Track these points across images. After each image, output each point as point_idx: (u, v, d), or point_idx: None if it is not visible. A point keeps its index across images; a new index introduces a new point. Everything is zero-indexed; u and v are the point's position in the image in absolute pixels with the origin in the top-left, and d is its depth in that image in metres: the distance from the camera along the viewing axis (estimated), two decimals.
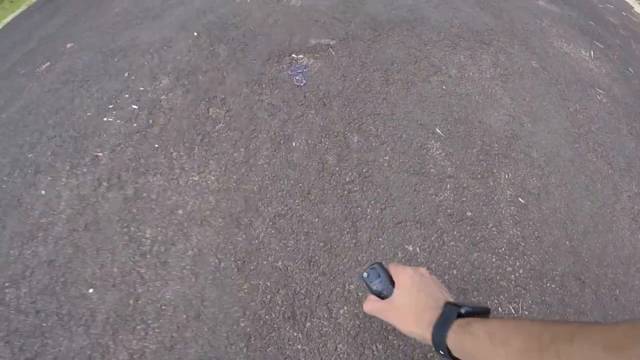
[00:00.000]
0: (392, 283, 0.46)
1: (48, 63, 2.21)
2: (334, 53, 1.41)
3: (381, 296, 0.47)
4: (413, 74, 1.33)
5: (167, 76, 1.53)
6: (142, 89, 1.53)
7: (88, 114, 1.53)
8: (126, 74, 1.65)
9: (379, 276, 0.48)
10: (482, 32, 1.76)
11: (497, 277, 0.92)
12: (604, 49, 2.14)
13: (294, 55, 1.41)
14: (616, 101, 1.73)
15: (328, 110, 1.14)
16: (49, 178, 1.35)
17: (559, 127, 1.36)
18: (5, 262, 1.24)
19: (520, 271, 0.94)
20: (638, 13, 3.42)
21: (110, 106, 1.51)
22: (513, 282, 0.93)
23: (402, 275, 0.46)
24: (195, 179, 1.04)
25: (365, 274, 0.48)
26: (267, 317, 0.88)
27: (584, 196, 1.17)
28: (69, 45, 2.33)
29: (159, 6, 2.28)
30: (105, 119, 1.45)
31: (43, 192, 1.32)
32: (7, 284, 1.17)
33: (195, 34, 1.74)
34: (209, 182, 1.03)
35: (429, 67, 1.39)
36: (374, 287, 0.47)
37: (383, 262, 0.50)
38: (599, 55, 2.05)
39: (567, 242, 1.06)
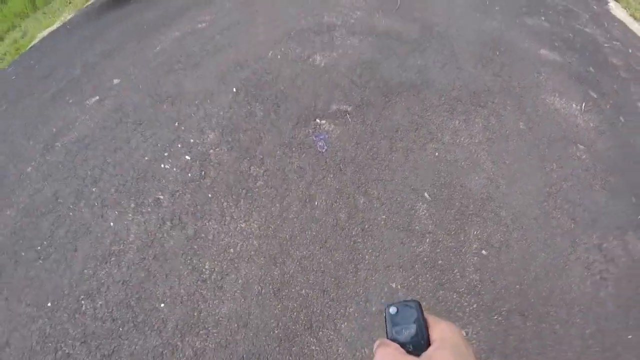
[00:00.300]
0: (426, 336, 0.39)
1: (97, 97, 2.74)
2: (350, 119, 1.88)
3: (407, 348, 0.38)
4: (413, 142, 1.78)
5: (213, 131, 2.03)
6: (192, 140, 2.03)
7: (146, 158, 2.04)
8: (176, 124, 2.16)
9: (414, 321, 0.40)
10: (480, 93, 2.18)
11: (455, 309, 1.37)
12: (597, 99, 2.41)
13: (317, 120, 1.89)
14: (596, 156, 1.98)
15: (342, 175, 1.61)
16: (116, 212, 1.86)
17: (532, 188, 1.75)
18: (80, 279, 1.74)
19: (474, 306, 1.40)
20: None
21: (165, 154, 2.02)
22: (467, 314, 1.37)
23: (449, 334, 0.38)
24: (242, 225, 1.54)
25: (393, 309, 0.40)
26: (293, 327, 1.37)
27: (540, 249, 1.60)
28: (115, 81, 2.86)
29: (198, 52, 2.80)
30: (162, 166, 1.96)
31: (112, 223, 1.83)
32: (82, 297, 1.68)
33: (234, 89, 2.25)
34: (252, 229, 1.53)
35: (427, 134, 1.83)
36: (402, 334, 0.39)
37: (422, 303, 0.41)
38: (591, 107, 2.31)
39: (518, 286, 1.50)
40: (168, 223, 1.64)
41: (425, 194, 1.57)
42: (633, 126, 2.31)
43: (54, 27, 6.15)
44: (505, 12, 3.33)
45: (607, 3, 4.79)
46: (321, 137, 1.77)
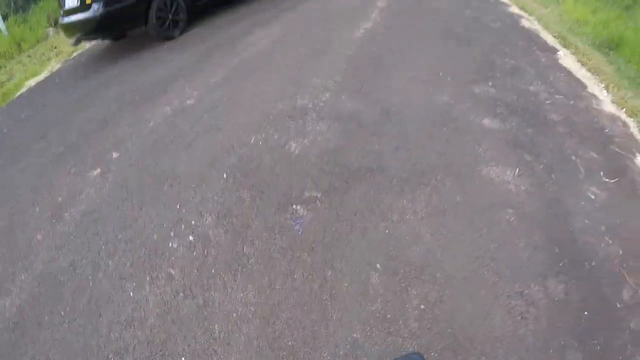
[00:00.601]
0: None
1: (99, 170, 3.31)
2: (319, 205, 2.53)
3: None
4: (368, 222, 2.42)
5: (210, 215, 2.64)
6: (193, 222, 2.62)
7: (154, 237, 2.65)
8: (178, 206, 2.79)
9: None
10: (425, 172, 2.69)
11: (400, 350, 2.03)
12: (531, 161, 2.92)
13: (294, 206, 2.55)
14: (523, 217, 2.38)
15: (314, 253, 2.22)
16: (134, 284, 2.45)
17: (463, 253, 2.21)
18: (107, 340, 2.26)
19: (415, 346, 2.07)
20: (590, 95, 4.26)
21: (171, 234, 2.62)
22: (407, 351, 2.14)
23: None
24: (240, 295, 2.22)
25: None
26: None
27: (468, 301, 2.21)
28: (114, 155, 3.43)
29: (189, 132, 3.35)
30: (170, 244, 2.57)
31: (131, 293, 2.44)
32: (111, 356, 2.30)
33: (225, 175, 2.85)
34: (249, 297, 2.19)
35: (379, 215, 2.47)
36: None
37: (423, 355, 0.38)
38: (524, 171, 2.81)
39: (449, 330, 2.10)
40: (181, 294, 2.31)
41: (378, 265, 2.30)
42: (562, 182, 2.87)
43: (42, 76, 6.82)
44: (456, 83, 4.09)
45: (556, 52, 5.65)
46: (297, 221, 2.51)
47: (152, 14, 5.90)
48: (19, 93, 6.65)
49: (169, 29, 6.22)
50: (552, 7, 9.81)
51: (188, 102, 3.97)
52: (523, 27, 7.24)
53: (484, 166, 2.93)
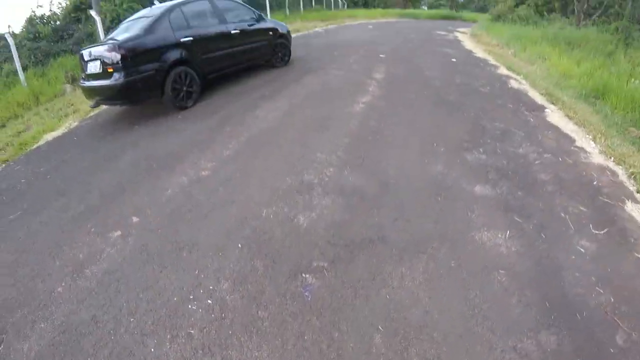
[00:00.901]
0: None
1: (120, 232, 3.46)
2: (326, 274, 2.82)
3: None
4: (370, 289, 2.68)
5: (227, 281, 2.90)
6: (211, 287, 2.87)
7: (175, 298, 2.86)
8: (196, 272, 3.05)
9: None
10: (422, 241, 2.99)
11: None
12: (521, 223, 3.16)
13: (303, 275, 2.86)
14: (514, 277, 2.67)
15: (322, 317, 2.44)
16: (155, 341, 2.57)
17: (458, 313, 2.42)
18: None
19: None
20: (578, 149, 4.50)
21: (190, 297, 2.86)
22: None
23: None
24: (256, 354, 2.39)
25: None
26: None
27: (463, 357, 2.34)
28: (134, 219, 3.58)
29: (205, 203, 3.65)
30: (189, 306, 2.79)
31: (152, 349, 2.52)
32: None
33: (240, 245, 3.20)
34: (263, 357, 2.37)
35: (381, 282, 2.72)
36: None
37: None
38: (514, 233, 3.04)
39: None
40: (200, 351, 2.47)
41: (380, 327, 2.53)
42: (552, 240, 3.10)
43: (59, 132, 7.33)
44: (449, 152, 4.52)
45: (544, 110, 6.02)
46: (307, 288, 2.79)
47: (168, 85, 6.43)
48: (36, 145, 7.05)
49: (183, 100, 6.71)
50: (538, 63, 10.60)
51: (203, 173, 4.35)
52: (511, 88, 7.82)
53: (476, 231, 3.17)
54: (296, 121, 5.57)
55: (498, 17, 23.20)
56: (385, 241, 3.08)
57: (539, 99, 6.96)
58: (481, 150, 4.60)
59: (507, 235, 3.08)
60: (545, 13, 22.22)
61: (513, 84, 8.15)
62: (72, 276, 3.23)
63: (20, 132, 8.09)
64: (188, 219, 3.63)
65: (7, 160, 6.70)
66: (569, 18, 20.21)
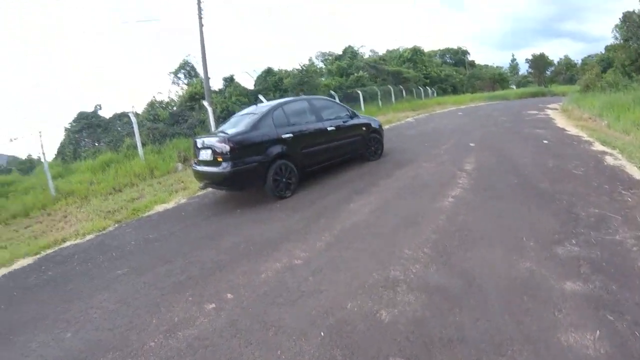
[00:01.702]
0: None
1: (214, 305, 3.81)
2: None
3: None
4: None
5: None
6: None
7: None
8: (279, 352, 3.03)
9: None
10: (503, 343, 2.86)
11: None
12: (613, 321, 2.91)
13: None
14: None
15: None
16: None
17: None
18: None
19: None
20: None
21: None
22: None
23: None
24: None
25: None
26: None
27: None
28: (229, 296, 3.94)
29: (295, 290, 3.95)
30: None
31: None
32: None
33: (322, 333, 3.32)
34: None
35: None
36: None
37: None
38: (605, 333, 2.80)
39: None
40: None
41: None
42: None
43: (169, 205, 8.46)
44: (538, 246, 4.36)
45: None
46: None
47: (270, 176, 7.13)
48: (148, 213, 8.08)
49: (283, 190, 7.33)
50: (634, 132, 9.99)
51: (296, 262, 4.71)
52: (607, 166, 7.42)
53: (563, 332, 2.95)
54: (387, 216, 5.77)
55: (587, 87, 22.45)
56: (465, 341, 3.09)
57: (637, 174, 6.60)
58: (573, 241, 4.36)
59: (596, 336, 2.86)
60: (634, 74, 20.86)
61: (609, 160, 7.77)
62: (165, 335, 3.59)
63: (134, 199, 9.39)
64: (278, 302, 3.92)
65: (120, 222, 7.71)
66: None
